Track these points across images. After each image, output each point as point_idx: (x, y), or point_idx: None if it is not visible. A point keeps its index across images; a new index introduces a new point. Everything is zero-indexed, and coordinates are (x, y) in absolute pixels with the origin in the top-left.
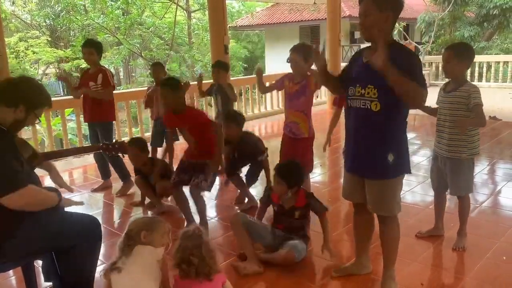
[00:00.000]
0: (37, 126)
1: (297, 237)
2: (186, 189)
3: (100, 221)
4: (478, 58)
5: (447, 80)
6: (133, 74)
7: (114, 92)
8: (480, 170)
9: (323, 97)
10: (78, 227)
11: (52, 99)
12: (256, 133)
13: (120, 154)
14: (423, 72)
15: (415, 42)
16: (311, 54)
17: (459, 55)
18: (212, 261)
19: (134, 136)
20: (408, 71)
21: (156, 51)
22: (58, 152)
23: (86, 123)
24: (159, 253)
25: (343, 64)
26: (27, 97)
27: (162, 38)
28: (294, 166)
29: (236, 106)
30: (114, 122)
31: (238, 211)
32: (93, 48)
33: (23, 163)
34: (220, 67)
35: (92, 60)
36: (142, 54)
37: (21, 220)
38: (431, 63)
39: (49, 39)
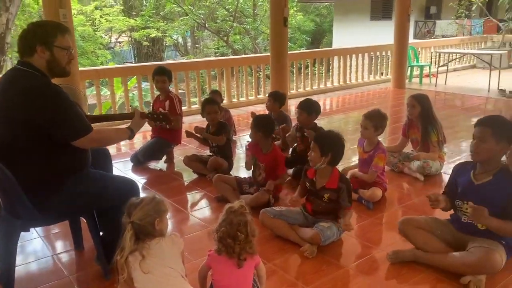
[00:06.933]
0: (107, 92)
1: (329, 220)
2: None
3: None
4: None
5: None
6: (197, 45)
7: (181, 61)
8: None
9: (388, 75)
10: (118, 188)
11: (121, 66)
12: None
13: (164, 123)
14: (501, 52)
15: (497, 19)
16: (382, 123)
17: None
18: (254, 241)
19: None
20: (509, 201)
21: (220, 22)
22: (104, 116)
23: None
24: (181, 242)
25: (412, 41)
26: (37, 36)
27: (226, 9)
28: (332, 135)
29: (295, 81)
30: (173, 146)
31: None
32: (166, 76)
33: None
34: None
35: (165, 88)
36: (207, 25)
37: (68, 177)
38: None
39: (122, 8)
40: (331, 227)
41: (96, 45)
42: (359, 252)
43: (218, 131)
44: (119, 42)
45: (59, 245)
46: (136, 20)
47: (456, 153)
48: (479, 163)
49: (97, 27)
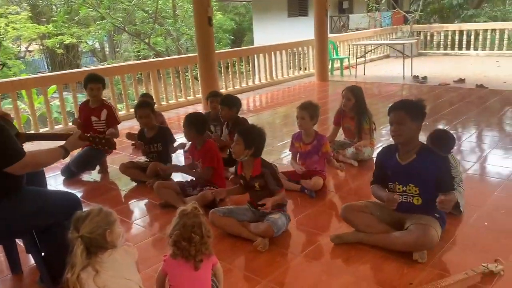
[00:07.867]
0: (22, 104)
1: (276, 211)
2: None
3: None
4: (466, 26)
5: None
6: (117, 49)
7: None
8: (467, 137)
9: (311, 69)
10: (58, 205)
11: (39, 75)
12: (245, 107)
13: (106, 148)
14: (411, 41)
15: (404, 11)
16: (316, 113)
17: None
18: (210, 241)
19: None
20: (440, 176)
21: (140, 25)
22: (40, 134)
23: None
24: (135, 252)
25: (330, 35)
26: None
27: (145, 11)
28: (255, 128)
29: (223, 80)
30: (106, 154)
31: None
32: (101, 83)
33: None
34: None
35: (99, 95)
36: (126, 29)
37: (2, 200)
38: (419, 32)
39: (30, 14)
40: (281, 217)
41: (7, 55)
42: (309, 239)
43: (158, 137)
44: (30, 51)
45: None
46: (47, 26)
47: (382, 137)
48: (401, 144)
49: (3, 36)
